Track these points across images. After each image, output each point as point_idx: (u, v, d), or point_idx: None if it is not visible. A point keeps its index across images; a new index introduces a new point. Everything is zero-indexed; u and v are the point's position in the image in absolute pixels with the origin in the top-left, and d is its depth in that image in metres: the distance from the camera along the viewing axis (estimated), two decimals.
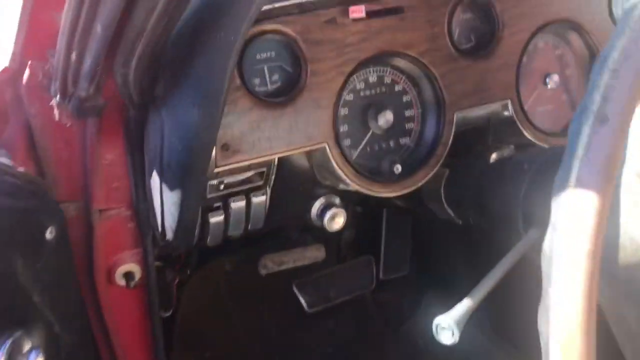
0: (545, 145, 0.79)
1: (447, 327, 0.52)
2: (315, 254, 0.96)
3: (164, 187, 0.59)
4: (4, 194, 0.48)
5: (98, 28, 0.45)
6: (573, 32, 0.79)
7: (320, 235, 0.97)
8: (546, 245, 0.39)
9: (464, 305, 0.54)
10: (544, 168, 0.63)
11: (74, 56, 0.50)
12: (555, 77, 0.78)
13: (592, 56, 0.80)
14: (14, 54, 0.57)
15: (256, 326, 1.07)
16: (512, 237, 0.67)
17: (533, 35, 0.76)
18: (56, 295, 0.56)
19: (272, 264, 0.93)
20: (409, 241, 1.16)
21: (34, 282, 0.50)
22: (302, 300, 1.08)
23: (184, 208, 0.59)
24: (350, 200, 0.85)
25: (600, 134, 0.34)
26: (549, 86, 0.78)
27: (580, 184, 0.34)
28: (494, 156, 0.84)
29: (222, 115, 0.53)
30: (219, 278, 0.95)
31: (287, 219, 0.84)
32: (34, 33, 0.54)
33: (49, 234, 0.52)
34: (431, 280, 1.24)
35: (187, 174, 0.56)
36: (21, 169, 0.53)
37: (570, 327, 0.37)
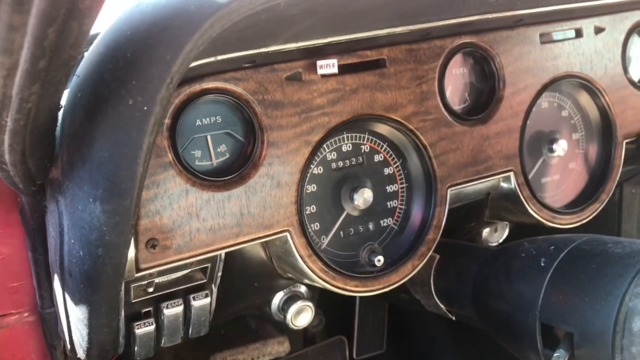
0: (552, 225, 0.66)
1: None
2: (277, 348, 0.80)
3: (67, 299, 0.43)
4: None
5: None
6: (582, 90, 0.67)
7: (276, 326, 0.82)
8: None
9: None
10: (566, 268, 0.49)
11: None
12: (563, 143, 0.65)
13: (603, 118, 0.68)
14: None
15: None
16: (522, 349, 0.53)
17: (539, 93, 0.63)
18: None
19: None
20: (385, 317, 1.03)
21: None
22: None
23: (92, 327, 0.43)
24: (312, 289, 0.70)
25: None
26: (555, 153, 0.66)
27: None
28: (485, 235, 0.71)
29: (137, 209, 0.38)
30: None
31: (240, 314, 0.68)
32: None
33: None
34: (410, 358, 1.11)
35: (93, 288, 0.40)
36: None
37: None
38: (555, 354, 0.45)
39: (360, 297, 0.95)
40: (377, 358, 1.08)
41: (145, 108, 0.32)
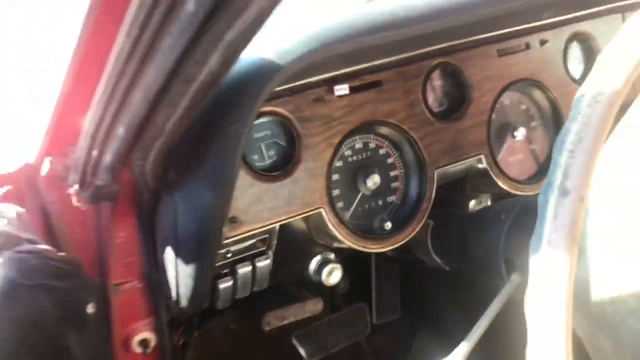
0: (518, 193, 0.86)
1: None
2: (314, 307, 1.01)
3: (179, 261, 0.64)
4: (51, 276, 0.53)
5: (121, 130, 0.51)
6: (535, 89, 0.88)
7: (315, 288, 1.03)
8: (528, 295, 0.45)
9: (459, 353, 0.60)
10: (519, 218, 0.70)
11: (95, 153, 0.56)
12: (522, 130, 0.86)
13: (553, 109, 0.89)
14: (37, 152, 0.63)
15: None
16: (495, 280, 0.74)
17: (499, 94, 0.84)
18: None
19: (275, 320, 0.98)
20: (398, 286, 1.22)
21: (83, 353, 0.54)
22: (302, 352, 1.12)
23: (198, 279, 0.64)
24: (342, 255, 0.91)
25: (564, 204, 0.41)
26: (517, 138, 0.86)
27: (551, 246, 0.41)
28: (472, 205, 0.91)
29: (232, 194, 0.59)
30: (222, 336, 0.99)
31: (288, 277, 0.89)
32: (56, 134, 0.60)
33: (90, 309, 0.57)
34: (422, 321, 1.30)
35: (202, 249, 0.61)
36: (61, 253, 0.58)
37: None
38: (512, 276, 0.66)
39: (376, 267, 1.16)
40: (394, 322, 1.28)
41: (240, 131, 0.53)
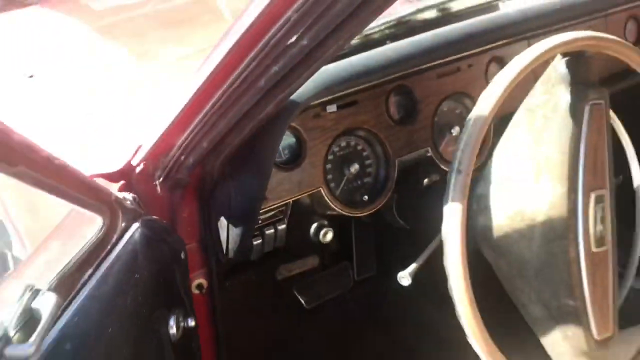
0: None
1: (405, 276, 0.93)
2: (312, 262, 1.37)
3: (231, 227, 0.99)
4: (166, 233, 0.87)
5: (204, 144, 0.85)
6: (466, 98, 1.24)
7: (311, 248, 1.38)
8: (443, 234, 0.82)
9: (415, 264, 0.96)
10: None
11: (182, 158, 0.90)
12: (457, 128, 1.22)
13: None
14: (137, 156, 0.96)
15: (272, 320, 1.47)
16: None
17: (439, 104, 1.20)
18: None
19: (285, 271, 1.33)
20: (373, 248, 1.57)
21: (182, 283, 0.89)
22: (301, 299, 1.47)
23: (244, 237, 0.99)
24: (333, 222, 1.26)
25: (459, 178, 0.77)
26: (453, 134, 1.22)
27: (451, 203, 0.77)
28: (425, 182, 1.27)
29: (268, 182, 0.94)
30: (248, 283, 1.34)
31: (296, 238, 1.24)
32: (157, 146, 0.93)
33: (183, 255, 0.91)
34: (393, 276, 1.66)
35: (248, 217, 0.96)
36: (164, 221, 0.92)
37: (457, 282, 0.80)
38: None
39: (356, 232, 1.50)
40: (372, 278, 1.63)
41: (276, 142, 0.88)
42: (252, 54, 0.68)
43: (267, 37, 0.67)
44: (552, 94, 0.86)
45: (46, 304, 0.64)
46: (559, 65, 0.86)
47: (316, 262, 1.38)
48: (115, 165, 0.96)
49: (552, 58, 0.87)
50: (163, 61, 1.40)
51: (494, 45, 1.23)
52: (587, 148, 0.84)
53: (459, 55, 1.19)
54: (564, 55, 0.86)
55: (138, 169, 0.99)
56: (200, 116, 0.80)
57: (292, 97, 0.88)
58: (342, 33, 0.65)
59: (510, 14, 1.26)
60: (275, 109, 0.74)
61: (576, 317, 0.86)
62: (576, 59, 0.86)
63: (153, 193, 0.98)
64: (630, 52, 0.89)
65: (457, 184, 0.77)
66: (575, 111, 0.84)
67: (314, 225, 1.21)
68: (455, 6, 1.35)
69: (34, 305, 0.64)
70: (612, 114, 0.99)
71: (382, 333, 1.73)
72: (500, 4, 1.40)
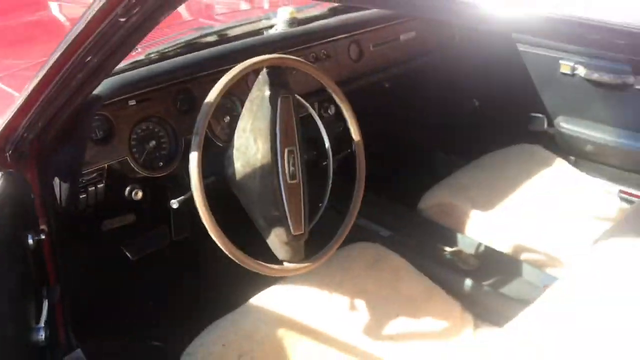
0: None
1: (174, 202, 1.47)
2: (130, 218, 1.87)
3: (62, 183, 1.46)
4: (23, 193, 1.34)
5: (40, 124, 1.33)
6: (233, 96, 1.81)
7: (127, 206, 1.85)
8: None
9: (183, 196, 1.51)
10: None
11: (24, 135, 1.37)
12: (228, 117, 1.78)
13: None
14: None
15: (101, 268, 1.94)
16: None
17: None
18: None
19: (108, 224, 1.82)
20: (189, 215, 2.08)
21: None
22: (128, 253, 1.96)
23: (72, 191, 1.47)
24: (142, 183, 1.77)
25: (196, 138, 1.33)
26: (226, 121, 1.78)
27: (192, 150, 1.33)
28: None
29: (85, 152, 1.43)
30: (80, 234, 1.80)
31: (115, 196, 1.72)
32: (5, 130, 1.38)
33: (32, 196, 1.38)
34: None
35: (73, 177, 1.44)
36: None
37: (200, 205, 1.35)
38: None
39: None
40: (186, 239, 2.14)
41: (87, 123, 1.37)
42: (67, 66, 1.18)
43: (75, 55, 1.17)
44: (261, 91, 1.45)
45: None
46: (264, 74, 1.45)
47: (132, 218, 1.87)
48: None
49: (261, 68, 1.46)
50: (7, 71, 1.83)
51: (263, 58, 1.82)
52: (280, 122, 1.44)
53: (227, 66, 1.76)
54: (267, 67, 1.46)
55: None
56: (36, 105, 1.28)
57: (97, 93, 1.39)
58: (117, 55, 1.17)
59: (268, 37, 1.87)
60: (82, 102, 1.25)
61: (281, 222, 1.46)
62: (273, 70, 1.45)
63: (5, 162, 1.44)
64: (305, 66, 1.51)
65: (194, 141, 1.32)
66: (273, 101, 1.44)
67: (128, 188, 1.71)
68: (230, 33, 1.93)
69: None
70: (306, 104, 1.62)
71: (196, 278, 2.26)
72: (265, 31, 2.01)
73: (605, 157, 2.34)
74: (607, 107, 2.29)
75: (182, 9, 2.33)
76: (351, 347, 1.57)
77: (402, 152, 2.49)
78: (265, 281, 1.73)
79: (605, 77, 2.20)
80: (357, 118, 1.68)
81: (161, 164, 1.66)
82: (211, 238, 1.33)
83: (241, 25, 1.96)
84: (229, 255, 1.40)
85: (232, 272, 1.57)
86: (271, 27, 2.01)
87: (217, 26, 1.96)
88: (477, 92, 2.65)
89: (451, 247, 2.00)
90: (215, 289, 2.19)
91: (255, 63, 1.42)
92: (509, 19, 0.64)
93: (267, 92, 1.44)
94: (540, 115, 2.50)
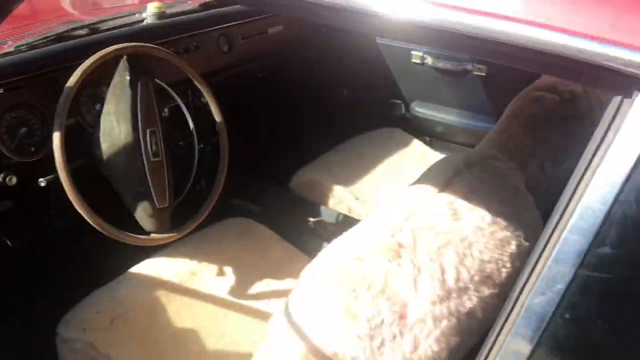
0: None
1: (42, 181, 1.59)
2: (6, 204, 1.94)
3: None
4: None
5: None
6: (103, 85, 1.93)
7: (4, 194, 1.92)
8: None
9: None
10: None
11: None
12: (98, 104, 1.90)
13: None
14: None
15: None
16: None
17: (81, 89, 1.87)
18: None
19: None
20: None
21: None
22: (6, 240, 2.03)
23: None
24: (20, 172, 1.86)
25: (57, 119, 1.46)
26: (96, 108, 1.90)
27: (54, 130, 1.46)
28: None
29: None
30: None
31: None
32: None
33: None
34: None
35: None
36: None
37: (66, 185, 1.48)
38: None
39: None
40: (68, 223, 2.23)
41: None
42: None
43: None
44: (122, 77, 1.59)
45: None
46: (124, 61, 1.60)
47: (9, 204, 1.95)
48: None
49: (121, 56, 1.60)
50: None
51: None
52: (141, 104, 1.59)
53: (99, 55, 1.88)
54: (127, 55, 1.61)
55: None
56: None
57: None
58: None
59: (135, 28, 2.00)
60: None
61: (146, 197, 1.61)
62: (133, 58, 1.61)
63: None
64: (161, 53, 1.68)
65: (56, 122, 1.45)
66: (133, 86, 1.59)
67: (2, 174, 1.79)
68: (100, 26, 2.05)
69: None
70: (170, 90, 1.78)
71: (80, 259, 2.34)
72: (134, 25, 2.14)
73: (453, 136, 2.66)
74: (452, 92, 2.60)
75: (55, 3, 2.42)
76: (219, 306, 1.75)
77: (277, 136, 2.69)
78: (144, 255, 1.88)
79: (449, 65, 2.50)
80: (220, 102, 1.86)
81: (33, 149, 1.75)
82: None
83: (112, 19, 2.09)
84: (97, 228, 1.54)
85: (109, 248, 1.70)
86: (141, 21, 2.14)
87: (87, 20, 2.07)
88: (345, 82, 2.90)
89: (314, 218, 2.23)
90: (97, 267, 2.29)
91: (114, 50, 1.57)
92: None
93: (128, 78, 1.59)
94: (398, 101, 2.79)
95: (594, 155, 0.62)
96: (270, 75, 2.65)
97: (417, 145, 2.64)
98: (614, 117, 0.61)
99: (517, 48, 0.64)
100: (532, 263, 0.66)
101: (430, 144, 2.71)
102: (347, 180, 2.34)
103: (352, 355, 0.99)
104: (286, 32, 2.55)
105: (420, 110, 2.73)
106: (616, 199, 0.60)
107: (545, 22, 0.62)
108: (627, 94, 0.60)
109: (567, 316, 0.64)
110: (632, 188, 0.59)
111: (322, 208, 2.28)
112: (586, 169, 0.62)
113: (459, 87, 2.58)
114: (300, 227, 2.21)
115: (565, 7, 0.64)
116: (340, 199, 2.27)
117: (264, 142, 2.60)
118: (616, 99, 0.61)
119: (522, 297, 0.67)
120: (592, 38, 0.60)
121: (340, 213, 2.24)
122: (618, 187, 0.60)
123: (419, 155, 2.55)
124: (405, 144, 2.64)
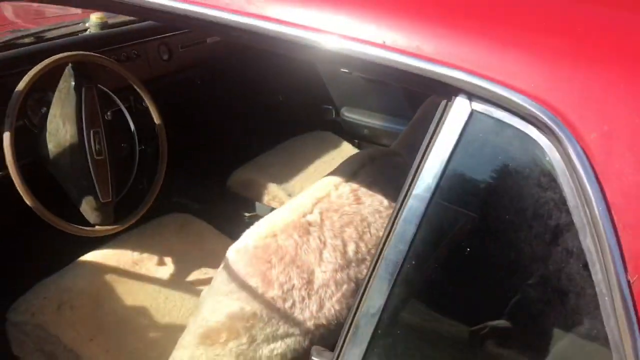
0: None
1: None
2: None
3: None
4: None
5: None
6: (49, 90, 2.07)
7: None
8: None
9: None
10: None
11: None
12: (45, 108, 2.04)
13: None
14: None
15: None
16: None
17: (29, 93, 2.01)
18: None
19: None
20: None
21: None
22: None
23: None
24: None
25: (6, 123, 1.61)
26: (42, 112, 2.05)
27: (5, 131, 1.61)
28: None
29: None
30: None
31: None
32: None
33: None
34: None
35: None
36: None
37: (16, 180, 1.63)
38: None
39: None
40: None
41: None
42: None
43: None
44: (67, 82, 1.75)
45: None
46: (69, 68, 1.76)
47: None
48: None
49: (66, 64, 1.76)
50: None
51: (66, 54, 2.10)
52: (85, 108, 1.75)
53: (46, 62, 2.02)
54: (72, 62, 1.77)
55: None
56: None
57: None
58: None
59: (80, 37, 2.15)
60: None
61: (90, 191, 1.77)
62: (77, 65, 1.77)
63: None
64: (103, 60, 1.84)
65: (6, 123, 1.60)
66: (78, 91, 1.75)
67: None
68: (45, 35, 2.18)
69: None
70: (113, 95, 1.95)
71: (29, 252, 2.45)
72: (78, 34, 2.28)
73: (378, 138, 2.91)
74: (378, 98, 2.86)
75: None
76: (159, 291, 1.92)
77: (217, 139, 2.88)
78: (91, 248, 2.03)
79: None
80: (161, 107, 2.03)
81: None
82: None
83: (56, 28, 2.23)
84: (45, 219, 1.69)
85: (57, 242, 1.84)
86: (85, 30, 2.29)
87: (33, 28, 2.20)
88: (281, 89, 3.12)
89: (250, 213, 2.43)
90: (45, 259, 2.41)
91: (60, 58, 1.73)
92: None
93: (73, 83, 1.75)
94: (329, 107, 3.03)
95: (428, 144, 0.85)
96: (209, 82, 2.83)
97: (346, 147, 2.88)
98: (441, 116, 0.84)
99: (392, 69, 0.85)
100: (390, 223, 0.89)
101: (358, 145, 2.95)
102: (281, 178, 2.55)
103: (269, 314, 1.19)
104: (224, 41, 2.74)
105: (349, 115, 2.97)
106: (442, 176, 0.83)
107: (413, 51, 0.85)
108: (449, 98, 0.83)
109: (414, 262, 0.86)
110: (451, 168, 0.83)
111: (257, 204, 2.48)
112: (423, 155, 0.86)
113: (383, 94, 2.84)
114: (237, 221, 2.40)
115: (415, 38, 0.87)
116: (274, 195, 2.48)
117: (203, 145, 2.78)
118: (443, 102, 0.85)
119: (384, 250, 0.89)
120: (428, 59, 0.83)
121: (274, 208, 2.44)
122: (442, 167, 0.83)
123: (347, 156, 2.79)
124: (336, 145, 2.88)
